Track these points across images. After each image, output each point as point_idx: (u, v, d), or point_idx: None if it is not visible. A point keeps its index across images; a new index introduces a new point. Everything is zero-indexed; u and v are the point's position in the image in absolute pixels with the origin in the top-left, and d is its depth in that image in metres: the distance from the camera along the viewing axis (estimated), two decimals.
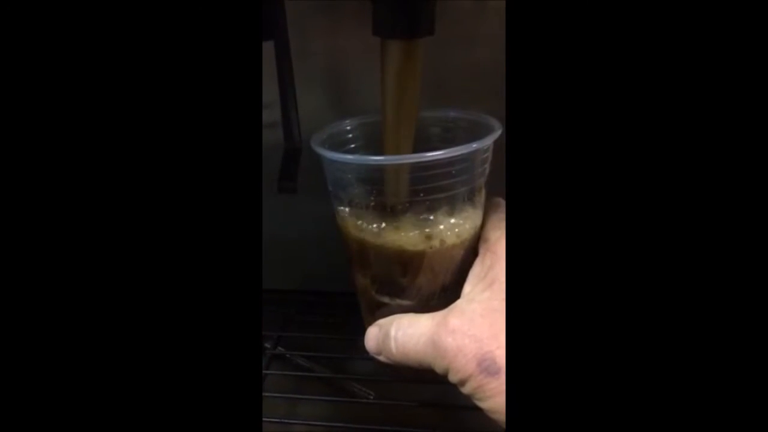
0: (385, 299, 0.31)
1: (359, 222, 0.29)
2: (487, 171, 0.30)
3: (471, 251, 0.30)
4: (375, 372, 0.39)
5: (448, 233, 0.29)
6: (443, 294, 0.30)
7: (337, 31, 0.37)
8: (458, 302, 0.28)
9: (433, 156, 0.26)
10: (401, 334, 0.28)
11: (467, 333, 0.26)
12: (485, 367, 0.25)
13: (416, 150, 0.30)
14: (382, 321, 0.31)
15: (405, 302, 0.31)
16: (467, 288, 0.29)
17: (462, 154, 0.27)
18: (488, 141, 0.28)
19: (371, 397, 0.41)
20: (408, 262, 0.29)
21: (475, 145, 0.27)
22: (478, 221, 0.30)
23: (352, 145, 0.33)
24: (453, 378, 0.26)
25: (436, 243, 0.29)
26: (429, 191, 0.28)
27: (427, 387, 0.36)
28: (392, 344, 0.29)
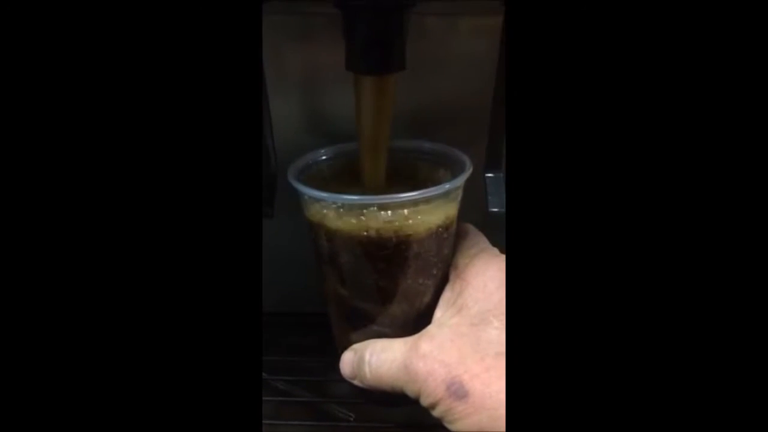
0: (360, 325, 0.32)
1: (331, 221, 0.29)
2: (458, 206, 0.31)
3: (443, 278, 0.31)
4: (355, 394, 0.38)
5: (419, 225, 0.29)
6: (417, 320, 0.31)
7: (313, 58, 0.37)
8: (429, 327, 0.29)
9: (407, 197, 0.27)
10: (375, 358, 0.29)
11: (437, 358, 0.27)
12: (453, 390, 0.25)
13: (389, 184, 0.31)
14: (357, 345, 0.31)
15: (380, 329, 0.31)
16: (438, 313, 0.30)
17: (435, 195, 0.28)
18: (460, 180, 0.29)
19: (352, 419, 0.40)
20: (381, 258, 0.29)
21: (447, 186, 0.28)
22: (450, 249, 0.31)
23: (329, 174, 0.34)
24: (424, 401, 0.27)
25: (407, 230, 0.28)
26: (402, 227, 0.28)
27: (407, 408, 0.36)
28: (366, 369, 0.29)
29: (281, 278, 0.44)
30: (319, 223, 0.30)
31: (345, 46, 0.29)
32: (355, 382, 0.31)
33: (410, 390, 0.27)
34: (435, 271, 0.30)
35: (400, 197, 0.27)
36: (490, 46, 0.34)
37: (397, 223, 0.28)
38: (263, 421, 0.36)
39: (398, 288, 0.30)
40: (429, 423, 0.33)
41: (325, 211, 0.29)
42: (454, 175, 0.30)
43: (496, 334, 0.26)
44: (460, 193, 0.30)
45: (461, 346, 0.27)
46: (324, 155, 0.34)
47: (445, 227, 0.30)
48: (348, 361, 0.31)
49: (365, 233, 0.28)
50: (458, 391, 0.25)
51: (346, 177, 0.33)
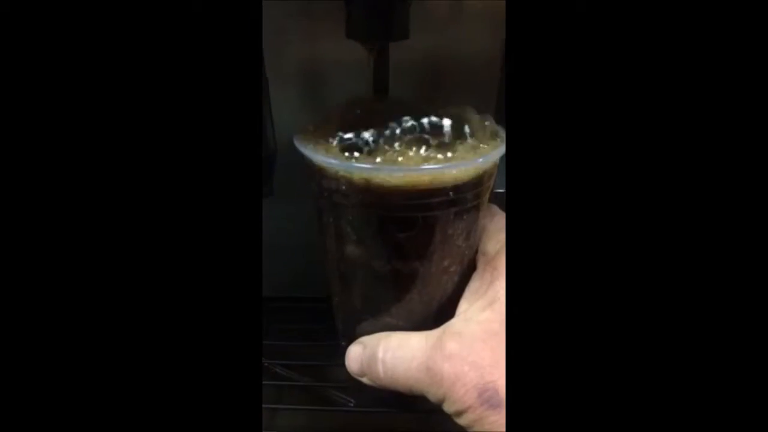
0: (370, 316, 0.29)
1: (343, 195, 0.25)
2: (492, 184, 0.27)
3: (469, 265, 0.28)
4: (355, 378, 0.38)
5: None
6: (438, 313, 0.28)
7: (312, 35, 0.35)
8: (454, 321, 0.26)
9: (433, 168, 0.23)
10: (390, 356, 0.26)
11: (466, 359, 0.23)
12: (487, 398, 0.22)
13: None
14: (366, 339, 0.28)
15: (394, 321, 0.28)
16: (463, 305, 0.27)
17: (466, 169, 0.24)
18: (495, 156, 0.25)
19: (352, 405, 0.39)
20: (403, 240, 0.26)
21: (480, 160, 0.24)
22: (479, 232, 0.28)
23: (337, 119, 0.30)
24: (449, 408, 0.24)
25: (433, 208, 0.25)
26: (422, 207, 0.25)
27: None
28: (379, 367, 0.26)
29: (282, 263, 0.43)
30: (329, 197, 0.26)
31: (345, 14, 0.27)
32: (364, 380, 0.28)
33: (433, 394, 0.24)
34: (462, 257, 0.27)
35: (425, 168, 0.23)
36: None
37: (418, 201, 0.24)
38: (262, 406, 0.35)
39: (419, 275, 0.26)
40: (428, 407, 0.32)
41: (335, 183, 0.25)
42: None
43: None
44: (495, 172, 0.27)
45: (494, 346, 0.23)
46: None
47: (476, 206, 0.26)
48: (356, 356, 0.28)
49: (384, 212, 0.25)
50: (492, 399, 0.22)
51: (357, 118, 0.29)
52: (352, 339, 0.29)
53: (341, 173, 0.24)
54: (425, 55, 0.34)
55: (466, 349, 0.24)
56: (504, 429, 0.22)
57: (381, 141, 0.25)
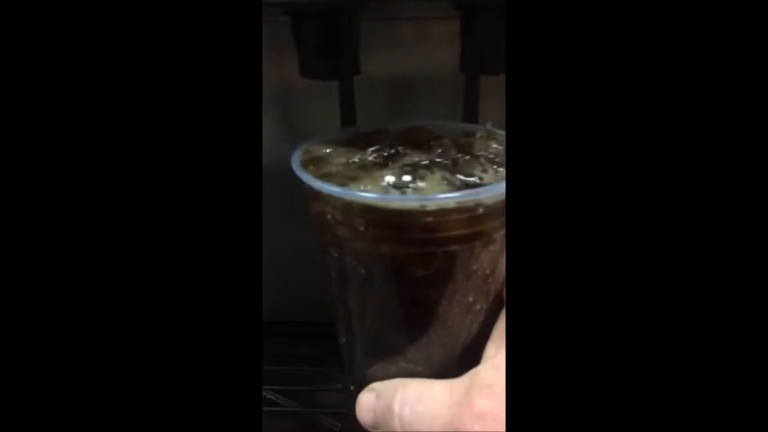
0: (383, 359, 0.25)
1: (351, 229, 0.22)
2: None
3: (496, 301, 0.25)
4: (342, 404, 0.39)
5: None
6: (462, 358, 0.24)
7: (282, 61, 0.33)
8: (482, 369, 0.22)
9: (446, 197, 0.20)
10: (408, 411, 0.22)
11: (499, 418, 0.20)
12: None
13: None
14: (379, 386, 0.24)
15: (411, 367, 0.25)
16: (491, 350, 0.23)
17: (488, 195, 0.21)
18: None
19: (338, 430, 0.38)
20: (421, 279, 0.22)
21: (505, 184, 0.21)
22: (502, 262, 0.25)
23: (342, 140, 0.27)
24: None
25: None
26: (442, 241, 0.22)
27: None
28: (396, 422, 0.23)
29: (270, 287, 0.39)
30: (333, 231, 0.22)
31: (297, 53, 0.28)
32: None
33: None
34: (488, 293, 0.24)
35: (449, 197, 0.20)
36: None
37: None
38: None
39: (439, 316, 0.23)
40: None
41: (341, 214, 0.21)
42: None
43: None
44: None
45: None
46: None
47: (503, 234, 0.23)
48: (368, 406, 0.24)
49: (398, 247, 0.21)
50: None
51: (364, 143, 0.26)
52: (362, 384, 0.25)
53: (349, 203, 0.21)
54: (392, 69, 0.35)
55: (498, 405, 0.21)
56: None
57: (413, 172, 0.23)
